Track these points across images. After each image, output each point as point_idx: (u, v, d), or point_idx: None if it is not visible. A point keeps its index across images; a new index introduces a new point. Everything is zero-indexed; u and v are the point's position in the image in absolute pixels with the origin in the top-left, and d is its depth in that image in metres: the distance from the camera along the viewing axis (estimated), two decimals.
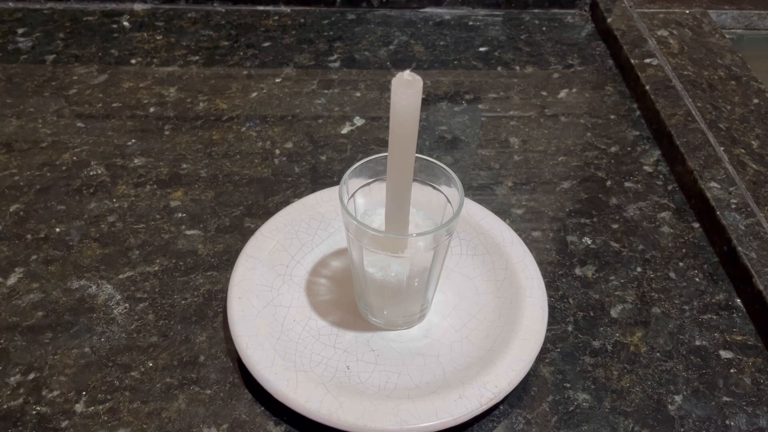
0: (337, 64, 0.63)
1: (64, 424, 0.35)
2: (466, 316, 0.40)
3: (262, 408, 0.36)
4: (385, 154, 0.33)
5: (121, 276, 0.42)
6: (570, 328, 0.41)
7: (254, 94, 0.58)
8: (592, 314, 0.42)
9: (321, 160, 0.52)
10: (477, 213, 0.44)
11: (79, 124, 0.54)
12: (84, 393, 0.36)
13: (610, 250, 0.46)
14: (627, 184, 0.51)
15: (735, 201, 0.47)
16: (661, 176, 0.52)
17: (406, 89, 0.29)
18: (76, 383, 0.36)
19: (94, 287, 0.41)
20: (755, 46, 0.73)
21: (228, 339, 0.38)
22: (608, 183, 0.51)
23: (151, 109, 0.56)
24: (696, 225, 0.48)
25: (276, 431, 0.35)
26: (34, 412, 0.35)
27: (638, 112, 0.59)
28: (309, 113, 0.57)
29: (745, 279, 0.42)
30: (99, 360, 0.37)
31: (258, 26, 0.68)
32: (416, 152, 0.33)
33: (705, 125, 0.54)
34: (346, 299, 0.41)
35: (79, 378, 0.37)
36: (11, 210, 0.47)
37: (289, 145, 0.53)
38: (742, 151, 0.52)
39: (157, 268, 0.43)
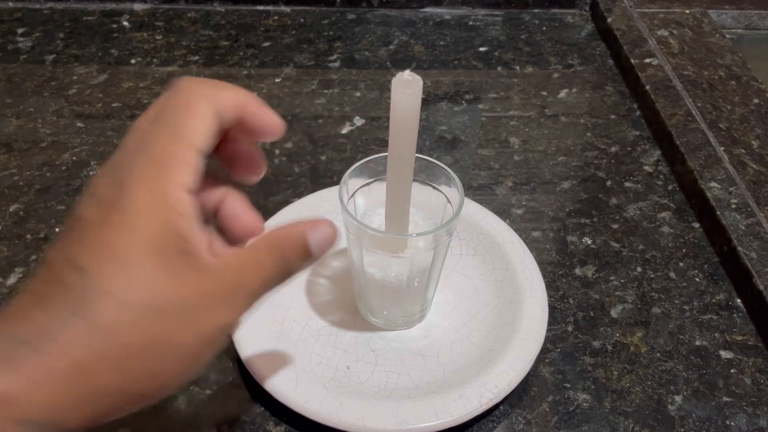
0: (337, 64, 0.63)
1: None
2: (466, 316, 0.40)
3: (262, 408, 0.36)
4: (385, 154, 0.33)
5: None
6: (570, 328, 0.41)
7: (254, 94, 0.58)
8: (592, 314, 0.41)
9: (321, 160, 0.52)
10: (477, 213, 0.44)
11: (79, 124, 0.54)
12: None
13: (610, 250, 0.46)
14: (627, 184, 0.51)
15: (735, 201, 0.47)
16: (661, 176, 0.52)
17: (406, 89, 0.29)
18: None
19: None
20: (755, 46, 0.73)
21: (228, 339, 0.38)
22: (608, 183, 0.51)
23: None
24: (696, 225, 0.48)
25: (276, 431, 0.35)
26: None
27: (638, 112, 0.59)
28: (309, 113, 0.57)
29: (745, 279, 0.42)
30: None
31: (258, 26, 0.68)
32: (416, 152, 0.33)
33: (705, 125, 0.54)
34: (346, 299, 0.41)
35: None
36: (11, 210, 0.47)
37: (289, 145, 0.53)
38: (743, 151, 0.52)
39: None
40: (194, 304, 0.22)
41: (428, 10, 0.72)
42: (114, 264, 0.21)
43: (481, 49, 0.66)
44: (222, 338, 0.23)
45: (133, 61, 0.62)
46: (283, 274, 0.25)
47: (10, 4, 0.69)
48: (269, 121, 0.27)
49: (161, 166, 0.22)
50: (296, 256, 0.26)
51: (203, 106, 0.24)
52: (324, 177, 0.50)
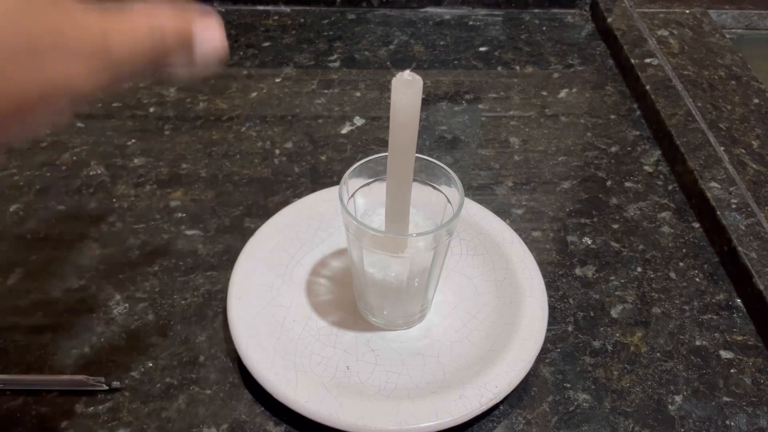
0: (337, 64, 0.63)
1: (64, 424, 0.34)
2: (466, 316, 0.40)
3: (262, 408, 0.36)
4: (385, 154, 0.33)
5: (121, 276, 0.42)
6: (570, 328, 0.41)
7: (254, 94, 0.58)
8: (592, 314, 0.41)
9: (321, 160, 0.52)
10: (477, 213, 0.44)
11: (79, 124, 0.54)
12: (84, 393, 0.36)
13: (610, 250, 0.46)
14: (627, 184, 0.51)
15: (735, 201, 0.47)
16: (661, 176, 0.52)
17: (406, 89, 0.29)
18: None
19: (94, 287, 0.41)
20: (755, 46, 0.73)
21: (228, 339, 0.38)
22: (608, 183, 0.51)
23: (151, 109, 0.56)
24: (696, 225, 0.48)
25: (276, 431, 0.35)
26: (34, 412, 0.35)
27: (638, 112, 0.59)
28: (309, 113, 0.57)
29: (745, 279, 0.42)
30: (99, 360, 0.37)
31: (258, 26, 0.68)
32: (416, 152, 0.33)
33: (705, 125, 0.54)
34: (346, 299, 0.41)
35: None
36: (11, 210, 0.47)
37: (289, 145, 0.53)
38: (743, 151, 0.52)
39: (157, 268, 0.43)
40: (49, 37, 0.20)
41: (428, 10, 0.72)
42: None
43: (481, 49, 0.66)
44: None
45: None
46: (153, 54, 0.23)
47: None
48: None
49: None
50: (174, 47, 0.24)
51: None
52: (324, 177, 0.50)
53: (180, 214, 0.47)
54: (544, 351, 0.39)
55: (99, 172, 0.50)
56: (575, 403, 0.37)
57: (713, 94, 0.58)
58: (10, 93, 0.20)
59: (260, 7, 0.71)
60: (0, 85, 0.20)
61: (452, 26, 0.70)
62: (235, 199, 0.48)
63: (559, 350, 0.39)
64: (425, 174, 0.37)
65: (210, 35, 0.25)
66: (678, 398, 0.37)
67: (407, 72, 0.29)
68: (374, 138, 0.54)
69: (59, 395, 0.36)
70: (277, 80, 0.60)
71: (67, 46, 0.21)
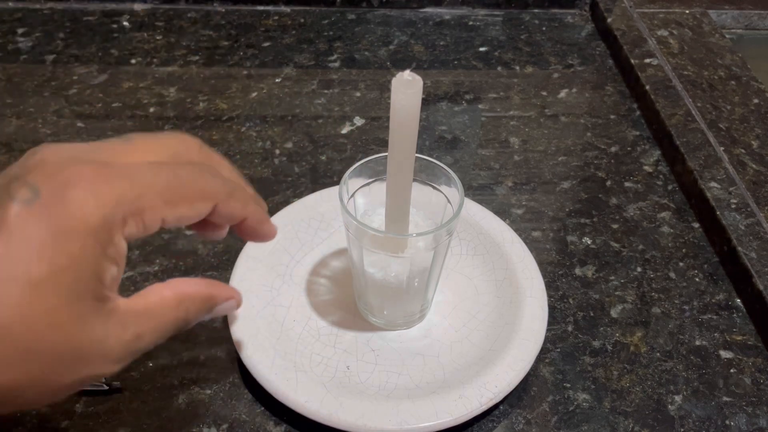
0: (337, 64, 0.63)
1: (64, 424, 0.34)
2: (466, 316, 0.40)
3: (262, 408, 0.36)
4: (385, 154, 0.33)
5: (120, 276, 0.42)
6: (570, 328, 0.41)
7: (254, 94, 0.58)
8: (592, 314, 0.42)
9: (321, 160, 0.52)
10: (477, 213, 0.44)
11: (79, 124, 0.54)
12: (84, 393, 0.36)
13: (610, 250, 0.46)
14: (627, 184, 0.51)
15: (735, 201, 0.47)
16: (661, 176, 0.52)
17: (406, 89, 0.29)
18: None
19: None
20: (755, 46, 0.73)
21: (228, 339, 0.38)
22: (608, 183, 0.51)
23: (151, 109, 0.56)
24: (696, 225, 0.48)
25: (276, 431, 0.35)
26: (34, 412, 0.35)
27: (638, 112, 0.59)
28: (309, 113, 0.57)
29: (745, 279, 0.42)
30: None
31: (258, 26, 0.68)
32: (416, 152, 0.33)
33: (705, 125, 0.54)
34: (346, 299, 0.41)
35: None
36: None
37: (289, 145, 0.53)
38: (742, 151, 0.52)
39: (157, 268, 0.43)
40: (87, 354, 0.21)
41: (428, 10, 0.72)
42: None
43: (481, 49, 0.66)
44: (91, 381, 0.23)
45: (133, 61, 0.62)
46: (177, 330, 0.25)
47: (10, 4, 0.69)
48: (266, 234, 0.29)
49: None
50: (197, 318, 0.26)
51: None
52: (324, 177, 0.50)
53: None
54: (544, 351, 0.39)
55: None
56: (575, 403, 0.37)
57: (713, 94, 0.58)
58: (42, 395, 0.21)
59: (260, 7, 0.71)
60: (37, 390, 0.21)
61: (452, 26, 0.70)
62: None
63: (559, 350, 0.39)
64: (425, 174, 0.37)
65: (227, 307, 0.28)
66: (678, 398, 0.37)
67: (407, 72, 0.29)
68: (374, 138, 0.54)
69: None
70: (277, 80, 0.60)
71: (105, 353, 0.22)
